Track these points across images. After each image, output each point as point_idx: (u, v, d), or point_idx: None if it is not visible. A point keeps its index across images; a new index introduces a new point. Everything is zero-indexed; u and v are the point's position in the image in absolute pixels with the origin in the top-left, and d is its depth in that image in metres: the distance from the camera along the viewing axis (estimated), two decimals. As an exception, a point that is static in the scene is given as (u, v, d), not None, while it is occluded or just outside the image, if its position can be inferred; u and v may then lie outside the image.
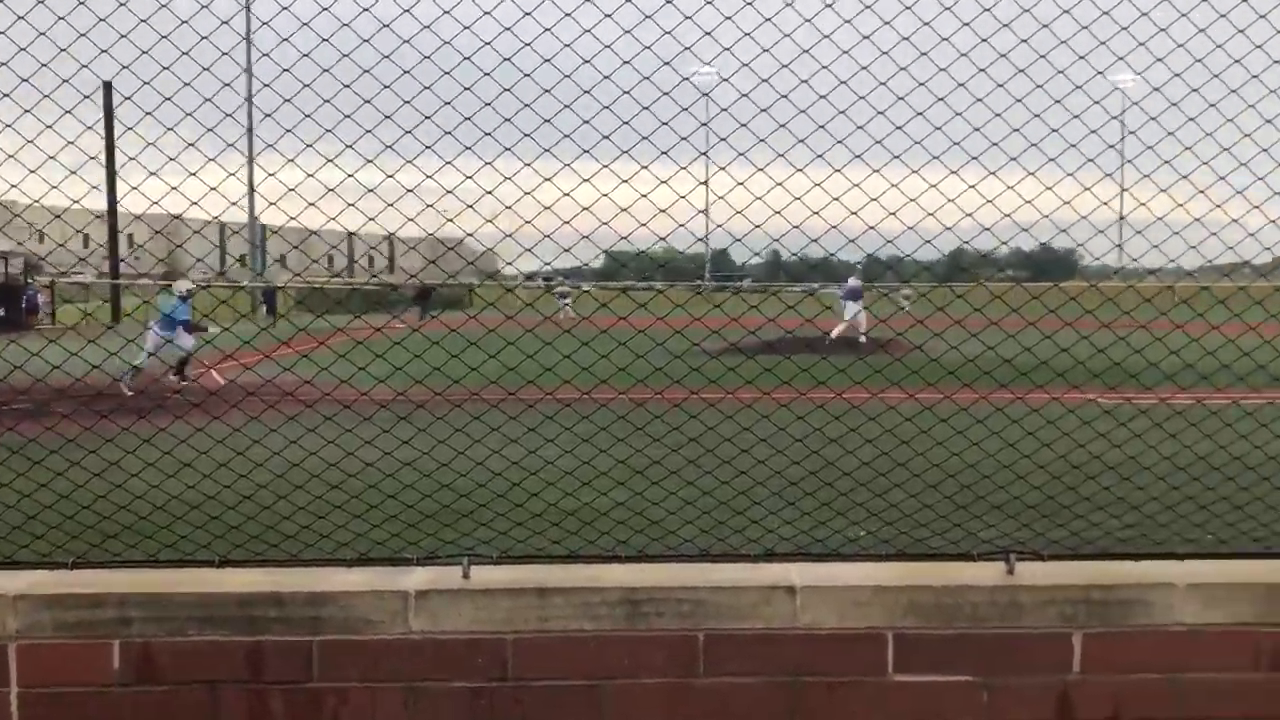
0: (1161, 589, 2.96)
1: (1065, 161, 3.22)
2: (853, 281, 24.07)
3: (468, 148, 3.02)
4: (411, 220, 3.11)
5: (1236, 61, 3.11)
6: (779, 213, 3.00)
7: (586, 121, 3.05)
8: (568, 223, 3.11)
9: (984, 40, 3.02)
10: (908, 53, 3.03)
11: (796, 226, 3.02)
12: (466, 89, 2.99)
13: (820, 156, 3.05)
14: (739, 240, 3.14)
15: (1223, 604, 2.97)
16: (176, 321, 16.48)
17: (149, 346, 15.96)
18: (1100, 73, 3.20)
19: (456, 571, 2.96)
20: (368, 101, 2.99)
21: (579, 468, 3.41)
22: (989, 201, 3.16)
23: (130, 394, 12.35)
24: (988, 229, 3.21)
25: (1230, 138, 3.15)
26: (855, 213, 3.00)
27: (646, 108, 3.05)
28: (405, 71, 2.98)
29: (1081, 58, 3.09)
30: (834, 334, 23.61)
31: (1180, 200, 3.35)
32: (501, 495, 3.31)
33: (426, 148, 2.99)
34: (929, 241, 3.23)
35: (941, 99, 3.05)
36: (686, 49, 3.01)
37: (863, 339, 23.67)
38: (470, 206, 3.05)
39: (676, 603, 2.91)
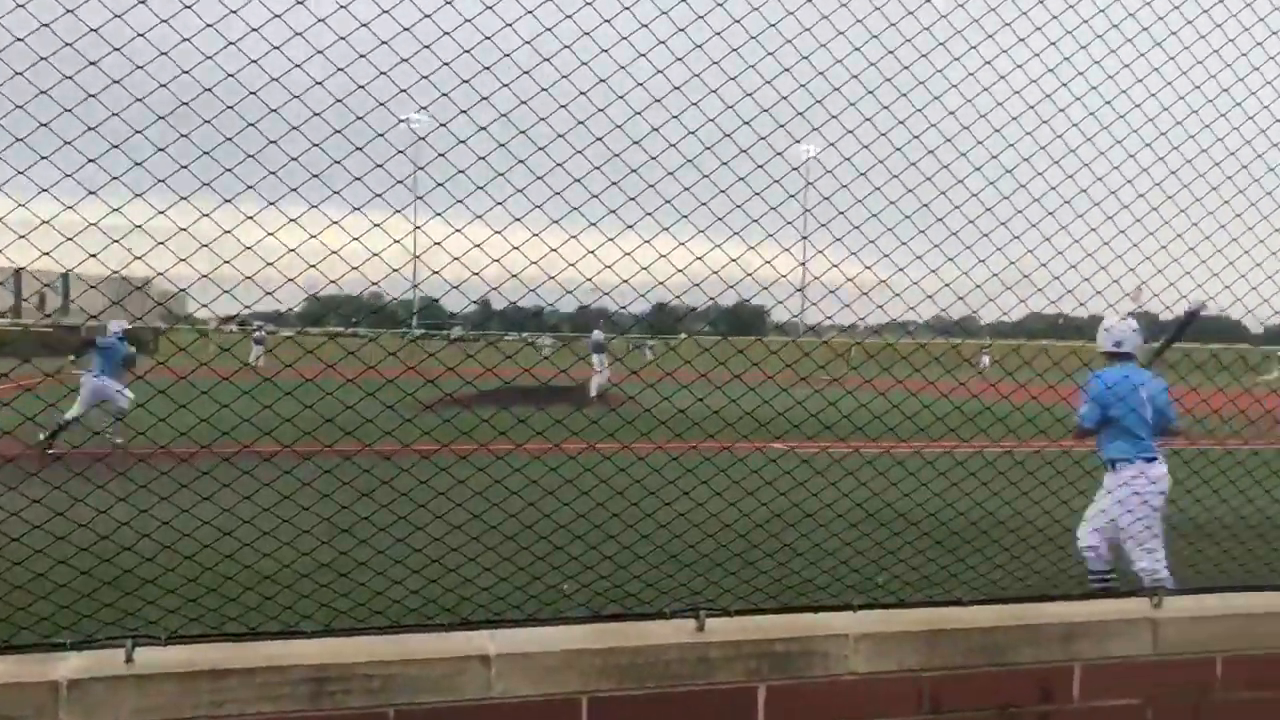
0: (836, 640, 3.11)
1: (757, 227, 3.39)
2: (596, 334, 24.59)
3: (161, 180, 2.77)
4: (94, 256, 2.81)
5: (911, 128, 3.43)
6: (498, 260, 2.98)
7: (294, 159, 2.90)
8: (271, 264, 2.93)
9: (674, 117, 3.16)
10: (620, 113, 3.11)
11: (515, 276, 3.01)
12: (161, 118, 2.75)
13: (539, 207, 3.06)
14: (455, 288, 3.07)
15: (891, 652, 3.16)
16: None
17: None
18: (781, 153, 3.43)
19: (119, 655, 2.66)
20: (44, 125, 2.68)
21: (277, 527, 3.18)
22: (699, 259, 3.29)
23: None
24: (697, 285, 3.33)
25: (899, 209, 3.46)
26: (574, 264, 3.03)
27: (360, 148, 2.94)
28: (91, 95, 2.70)
29: (776, 131, 3.30)
30: (593, 389, 23.95)
31: (867, 263, 3.63)
32: (171, 569, 3.02)
33: (114, 178, 2.72)
34: (642, 295, 3.31)
35: (657, 157, 3.15)
36: (403, 91, 2.94)
37: (594, 393, 24.03)
38: (162, 244, 2.80)
39: (365, 679, 2.74)
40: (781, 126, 3.27)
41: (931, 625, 3.26)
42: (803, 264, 3.64)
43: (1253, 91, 3.81)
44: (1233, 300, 4.11)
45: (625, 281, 3.16)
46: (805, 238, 3.52)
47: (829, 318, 3.59)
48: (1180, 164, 3.76)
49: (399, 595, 3.53)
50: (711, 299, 3.41)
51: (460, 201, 3.11)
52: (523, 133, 3.08)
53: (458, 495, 3.48)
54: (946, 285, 3.58)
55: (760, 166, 3.25)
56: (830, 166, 3.37)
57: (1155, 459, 6.56)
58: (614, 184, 3.10)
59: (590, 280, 3.11)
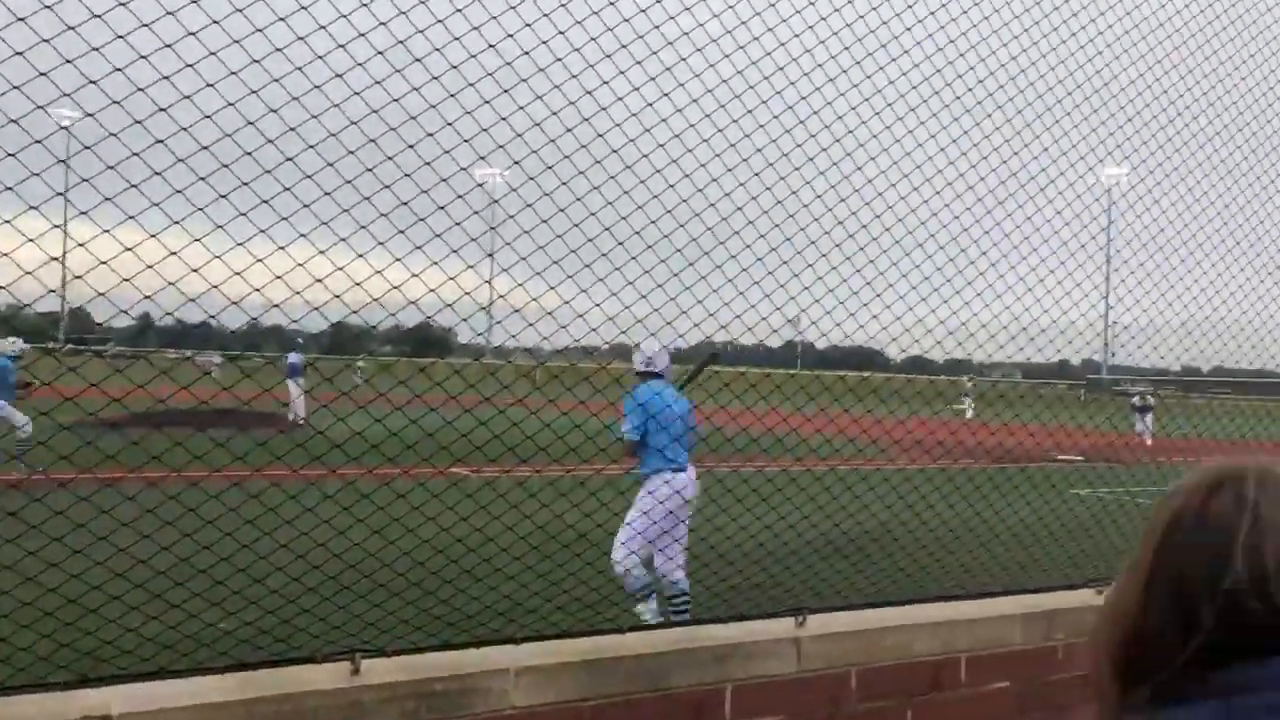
0: (498, 675, 3.05)
1: (439, 247, 3.32)
2: (293, 357, 22.76)
3: None
4: None
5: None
6: (152, 267, 2.71)
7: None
8: None
9: (353, 123, 3.05)
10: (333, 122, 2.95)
11: (173, 284, 2.74)
12: None
13: (201, 210, 2.82)
14: (102, 295, 2.76)
15: (552, 685, 3.14)
16: None
17: None
18: (465, 168, 3.40)
19: None
20: None
21: None
22: (378, 273, 3.17)
23: None
24: (376, 299, 3.20)
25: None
26: (239, 273, 2.82)
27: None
28: None
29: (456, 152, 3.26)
30: (296, 413, 22.17)
31: (535, 294, 3.64)
32: None
33: None
34: (316, 309, 3.14)
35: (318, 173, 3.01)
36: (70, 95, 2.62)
37: (294, 417, 22.30)
38: None
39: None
40: (465, 142, 3.23)
41: (593, 655, 3.27)
42: (488, 281, 3.60)
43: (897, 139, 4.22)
44: (878, 329, 4.51)
45: (297, 294, 2.97)
46: (490, 255, 3.48)
47: (513, 336, 3.56)
48: (851, 211, 4.09)
49: (4, 652, 3.10)
50: (391, 315, 3.29)
51: (109, 200, 2.81)
52: (184, 129, 2.84)
53: (96, 528, 3.11)
54: (627, 308, 3.67)
55: (444, 180, 3.19)
56: (516, 185, 3.36)
57: (683, 469, 6.87)
58: (287, 189, 2.92)
59: (259, 291, 2.90)
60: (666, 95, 3.59)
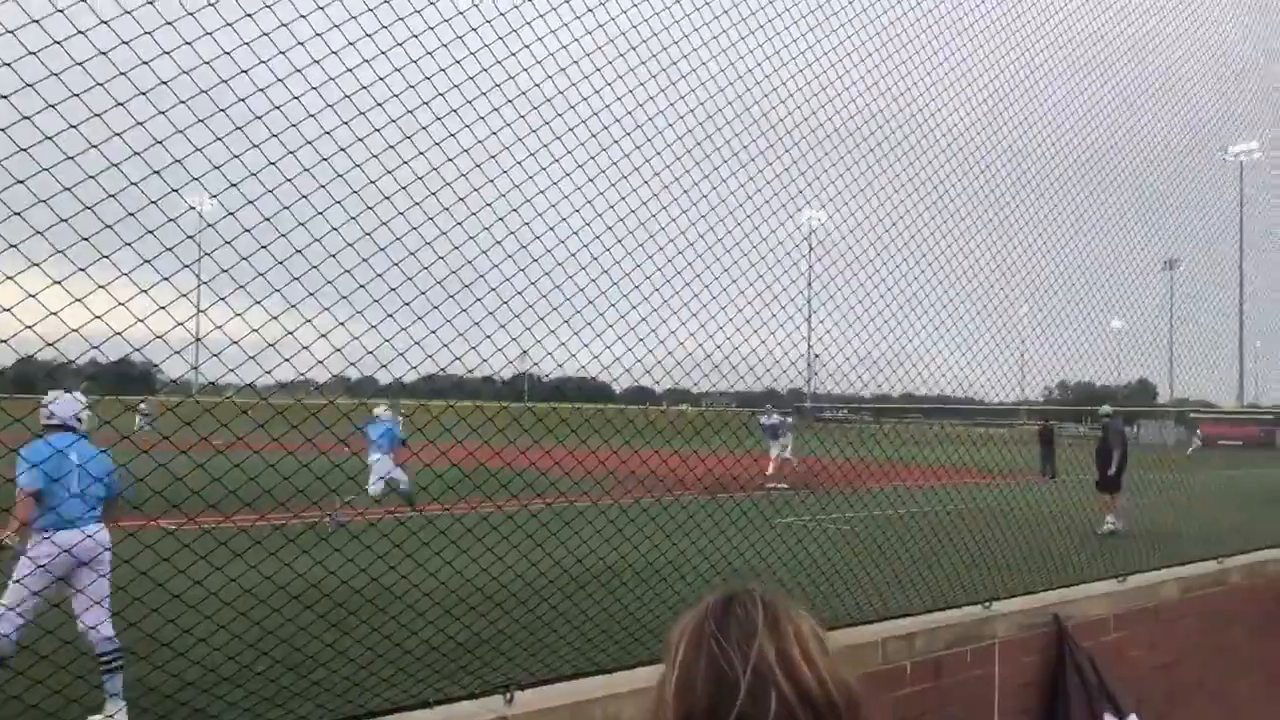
0: None
1: (141, 278, 3.09)
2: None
3: None
4: None
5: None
6: None
7: None
8: None
9: (49, 138, 2.81)
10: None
11: None
12: None
13: None
14: None
15: None
16: None
17: None
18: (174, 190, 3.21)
19: None
20: None
21: None
22: (79, 300, 2.90)
23: None
24: (77, 331, 2.93)
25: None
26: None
27: None
28: None
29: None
30: None
31: (255, 325, 3.46)
32: None
33: None
34: (4, 341, 2.83)
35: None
36: None
37: None
38: None
39: None
40: (178, 162, 3.04)
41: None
42: (200, 311, 3.38)
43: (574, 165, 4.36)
44: (600, 369, 4.62)
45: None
46: (204, 283, 3.28)
47: (232, 370, 3.37)
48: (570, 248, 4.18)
49: None
50: (95, 348, 3.02)
51: None
52: None
53: None
54: (355, 339, 3.56)
55: (154, 203, 2.99)
56: (234, 208, 3.20)
57: (73, 527, 6.60)
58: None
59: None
60: (395, 122, 3.55)
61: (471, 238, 3.82)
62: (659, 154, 4.50)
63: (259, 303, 3.37)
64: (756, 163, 5.11)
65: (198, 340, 3.67)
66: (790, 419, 24.82)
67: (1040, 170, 7.04)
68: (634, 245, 4.45)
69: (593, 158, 4.20)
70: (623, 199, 4.34)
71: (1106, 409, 17.50)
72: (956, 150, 6.37)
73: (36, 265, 2.84)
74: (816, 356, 6.54)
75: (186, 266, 3.23)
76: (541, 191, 4.07)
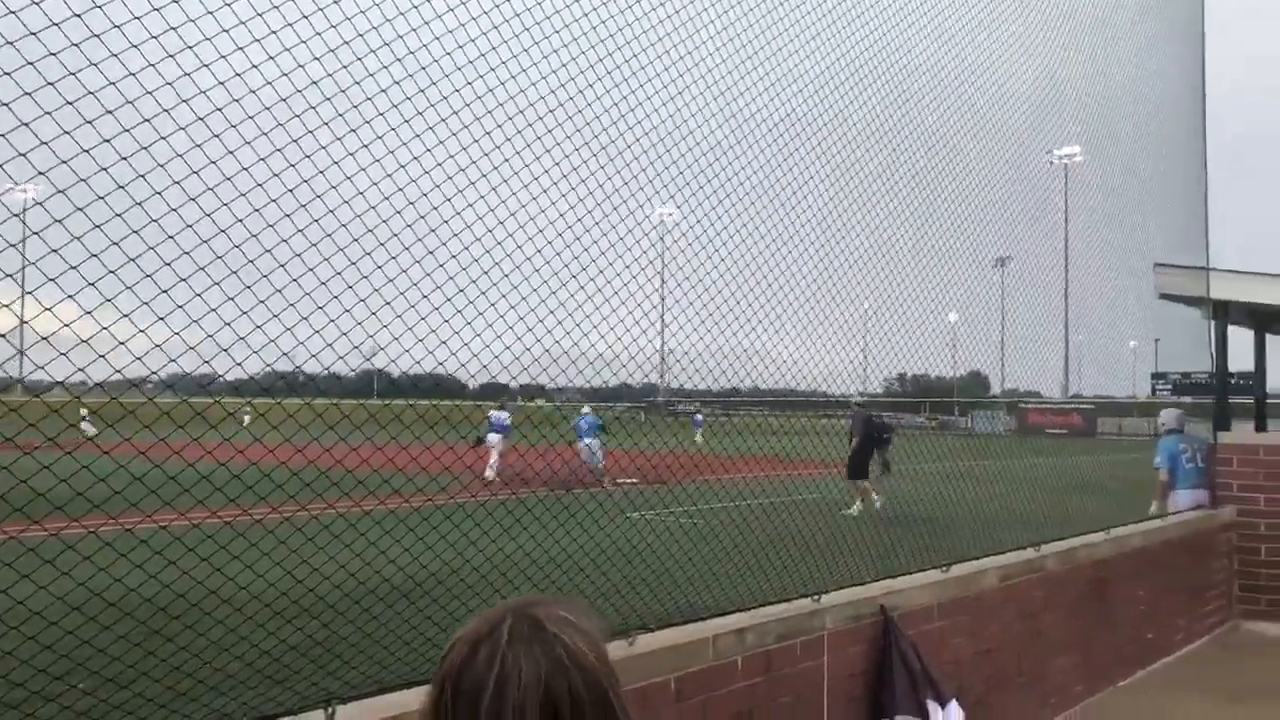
0: None
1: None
2: None
3: None
4: None
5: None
6: None
7: None
8: None
9: None
10: None
11: None
12: None
13: None
14: None
15: None
16: None
17: None
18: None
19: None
20: None
21: None
22: None
23: None
24: None
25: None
26: None
27: None
28: None
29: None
30: None
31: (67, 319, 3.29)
32: None
33: None
34: None
35: None
36: None
37: None
38: None
39: None
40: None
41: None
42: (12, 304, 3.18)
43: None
44: (458, 366, 4.56)
45: None
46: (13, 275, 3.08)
47: (40, 368, 3.18)
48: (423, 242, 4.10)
49: None
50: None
51: None
52: None
53: None
54: (175, 334, 3.42)
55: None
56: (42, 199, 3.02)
57: None
58: None
59: None
60: (223, 83, 3.41)
61: (316, 220, 3.71)
62: (509, 141, 4.47)
63: (71, 296, 3.20)
64: (609, 152, 5.12)
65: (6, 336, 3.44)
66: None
67: (881, 173, 7.30)
68: (487, 237, 4.42)
69: (441, 142, 4.14)
70: (493, 188, 4.30)
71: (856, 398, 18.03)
72: (801, 147, 6.54)
73: None
74: (670, 352, 6.61)
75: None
76: (389, 174, 3.99)
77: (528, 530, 5.31)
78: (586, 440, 24.23)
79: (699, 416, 33.48)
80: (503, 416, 23.89)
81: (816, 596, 5.82)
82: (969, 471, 9.14)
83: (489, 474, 22.47)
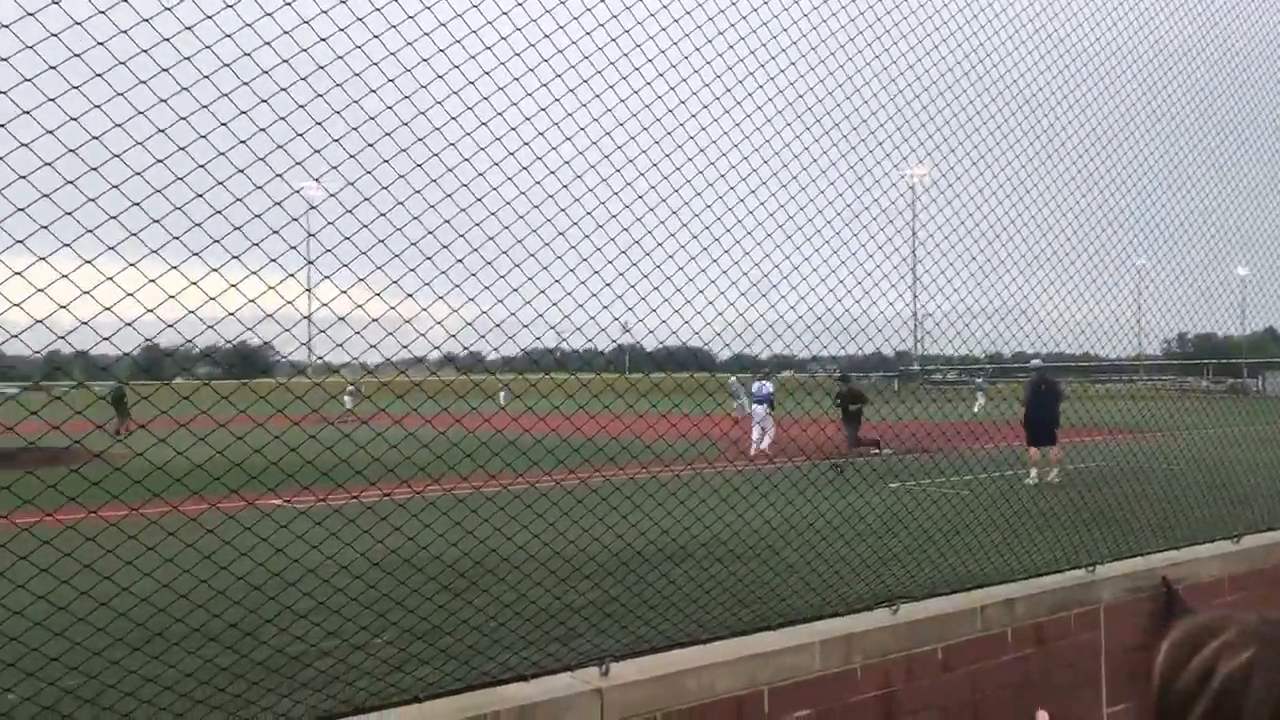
0: None
1: (251, 260, 3.21)
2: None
3: None
4: None
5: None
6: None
7: None
8: None
9: (162, 132, 2.96)
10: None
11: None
12: None
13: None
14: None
15: None
16: None
17: None
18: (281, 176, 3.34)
19: None
20: None
21: None
22: (194, 284, 3.06)
23: None
24: (192, 311, 3.10)
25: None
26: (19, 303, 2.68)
27: None
28: None
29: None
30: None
31: (359, 301, 3.56)
32: None
33: None
34: (129, 324, 3.00)
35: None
36: None
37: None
38: None
39: None
40: (280, 148, 3.17)
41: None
42: (308, 289, 3.52)
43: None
44: (705, 326, 4.64)
45: (109, 309, 2.84)
46: (311, 262, 3.41)
47: (339, 345, 3.49)
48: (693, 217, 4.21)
49: None
50: (210, 326, 3.17)
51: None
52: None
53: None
54: (455, 311, 3.67)
55: (260, 188, 3.12)
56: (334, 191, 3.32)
57: None
58: (92, 200, 2.80)
59: (66, 309, 2.76)
60: (486, 99, 3.62)
61: (562, 209, 3.88)
62: (751, 124, 4.48)
63: (362, 280, 3.49)
64: (861, 113, 5.03)
65: (307, 317, 3.79)
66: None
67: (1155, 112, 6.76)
68: (738, 206, 4.46)
69: (681, 124, 4.20)
70: (764, 161, 4.35)
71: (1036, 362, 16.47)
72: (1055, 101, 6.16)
73: (155, 252, 2.99)
74: (929, 315, 6.40)
75: (293, 248, 3.36)
76: (630, 160, 4.10)
77: (785, 496, 5.33)
78: (755, 408, 23.64)
79: (980, 381, 32.84)
80: (766, 386, 23.58)
81: (1091, 567, 5.51)
82: (1263, 436, 8.32)
83: (764, 446, 22.27)
